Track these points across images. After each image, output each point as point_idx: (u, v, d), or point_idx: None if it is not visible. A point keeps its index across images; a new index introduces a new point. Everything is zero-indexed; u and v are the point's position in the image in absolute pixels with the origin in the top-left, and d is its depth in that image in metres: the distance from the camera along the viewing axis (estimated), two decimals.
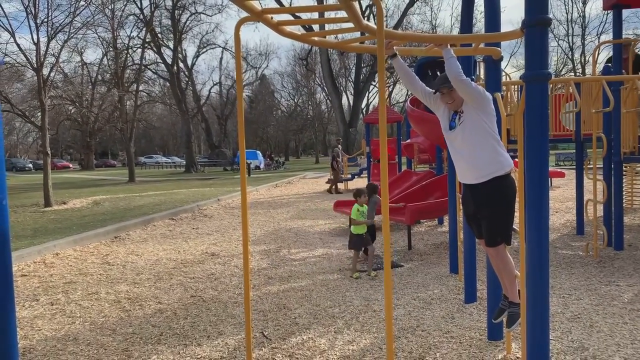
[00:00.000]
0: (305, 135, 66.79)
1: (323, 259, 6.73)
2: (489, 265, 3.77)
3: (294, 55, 57.11)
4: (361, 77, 38.21)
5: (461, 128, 3.14)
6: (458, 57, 3.09)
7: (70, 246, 7.86)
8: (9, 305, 1.99)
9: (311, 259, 6.72)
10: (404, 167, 15.66)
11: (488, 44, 3.44)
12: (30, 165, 53.83)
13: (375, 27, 2.56)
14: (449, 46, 3.03)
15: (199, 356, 3.61)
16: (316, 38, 2.74)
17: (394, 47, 2.98)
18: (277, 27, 2.44)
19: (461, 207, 3.59)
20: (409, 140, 13.39)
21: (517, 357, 3.42)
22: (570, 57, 42.70)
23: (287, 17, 2.65)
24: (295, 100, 62.71)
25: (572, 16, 42.31)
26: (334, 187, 16.62)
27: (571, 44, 42.52)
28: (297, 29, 2.77)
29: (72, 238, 8.14)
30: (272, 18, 2.35)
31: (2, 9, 13.66)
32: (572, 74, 40.77)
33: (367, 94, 40.93)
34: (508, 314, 3.29)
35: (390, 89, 51.28)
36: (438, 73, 8.19)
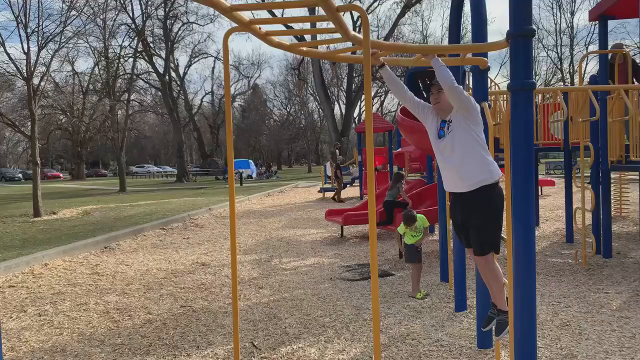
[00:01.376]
0: (298, 145, 66.80)
1: (314, 268, 6.72)
2: (479, 274, 3.79)
3: (286, 65, 57.40)
4: (353, 87, 38.40)
5: (450, 137, 3.15)
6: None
7: (60, 256, 7.79)
8: None
9: (302, 268, 6.71)
10: None
11: (475, 54, 3.49)
12: (20, 175, 53.33)
13: (362, 37, 2.60)
14: (436, 56, 3.06)
15: None
16: (304, 48, 2.76)
17: (381, 58, 3.01)
18: (265, 37, 2.47)
19: (450, 216, 3.60)
20: (400, 149, 13.45)
21: None
22: (559, 67, 43.20)
23: (278, 27, 2.68)
24: (288, 110, 62.85)
25: (560, 27, 42.86)
26: (337, 195, 16.64)
27: (560, 54, 43.04)
28: (288, 39, 2.79)
29: (62, 248, 8.07)
30: (260, 28, 2.37)
31: None
32: (562, 83, 41.26)
33: (359, 103, 41.10)
34: (497, 322, 3.30)
35: (382, 99, 51.61)
36: (428, 83, 8.25)
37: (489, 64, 3.46)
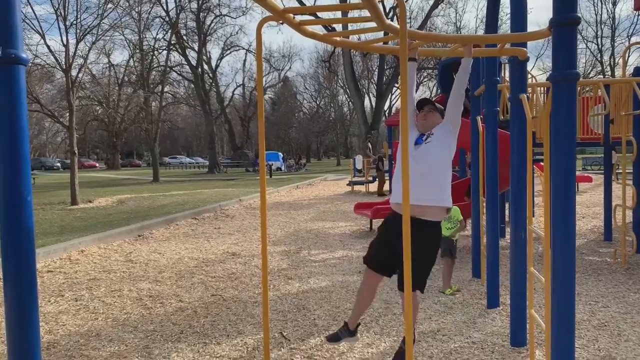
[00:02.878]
0: (327, 137, 66.80)
1: (343, 260, 6.70)
2: (512, 271, 3.70)
3: (317, 57, 57.28)
4: (384, 79, 38.02)
5: (426, 146, 3.03)
6: (484, 58, 3.05)
7: (95, 244, 8.00)
8: (32, 296, 2.03)
9: (331, 261, 6.70)
10: None
11: (514, 44, 3.38)
12: (59, 164, 55.05)
13: (398, 26, 2.54)
14: (472, 51, 2.97)
15: (218, 355, 3.62)
16: (338, 38, 2.72)
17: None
18: (298, 26, 2.44)
19: (380, 229, 3.28)
20: None
21: None
22: (599, 59, 41.76)
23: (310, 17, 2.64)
24: (318, 102, 62.83)
25: (601, 17, 41.41)
26: (379, 189, 16.54)
27: (600, 46, 41.59)
28: (320, 29, 2.75)
29: (97, 236, 8.29)
30: (294, 18, 2.34)
31: (34, 11, 14.02)
32: (601, 76, 39.85)
33: (389, 96, 40.75)
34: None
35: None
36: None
37: (528, 55, 3.34)
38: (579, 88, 7.78)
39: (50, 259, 6.93)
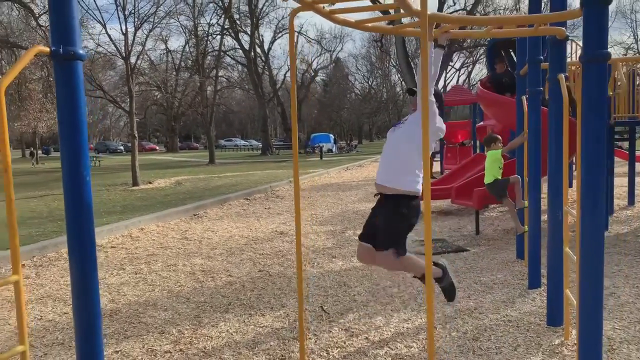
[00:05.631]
0: (379, 118, 66.18)
1: None
2: (549, 250, 3.71)
3: (369, 38, 56.53)
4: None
5: (395, 133, 3.17)
6: (523, 38, 3.03)
7: (154, 222, 8.53)
8: (93, 267, 2.31)
9: None
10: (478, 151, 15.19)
11: (552, 23, 3.33)
12: (122, 147, 57.83)
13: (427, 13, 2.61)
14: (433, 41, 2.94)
15: (261, 325, 3.88)
16: (370, 24, 2.82)
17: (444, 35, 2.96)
18: (329, 15, 2.56)
19: None
20: (481, 123, 12.97)
21: (575, 344, 3.35)
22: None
23: (343, 5, 2.74)
24: (370, 83, 62.25)
25: None
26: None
27: None
28: (353, 16, 2.85)
29: (156, 215, 8.82)
30: (324, 7, 2.46)
31: (95, 2, 14.75)
32: None
33: (443, 75, 39.76)
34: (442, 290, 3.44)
35: (469, 69, 49.43)
36: (512, 53, 7.89)
37: (567, 34, 3.29)
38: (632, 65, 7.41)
39: (113, 236, 7.48)
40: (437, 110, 3.07)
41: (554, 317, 3.65)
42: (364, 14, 2.81)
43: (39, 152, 36.67)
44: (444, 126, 3.12)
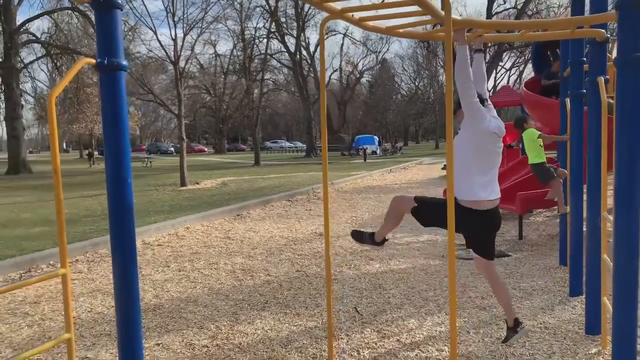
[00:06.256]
0: (426, 120, 65.22)
1: (427, 244, 6.78)
2: (588, 257, 3.62)
3: None
4: (486, 59, 36.28)
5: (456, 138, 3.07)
6: (564, 40, 2.99)
7: (199, 221, 8.83)
8: (132, 266, 2.47)
9: (415, 244, 6.81)
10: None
11: (592, 25, 3.26)
12: (172, 149, 59.72)
13: (458, 18, 2.63)
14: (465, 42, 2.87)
15: (296, 324, 3.97)
16: (401, 30, 2.86)
17: (479, 39, 2.95)
18: (359, 23, 2.62)
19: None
20: None
21: None
22: None
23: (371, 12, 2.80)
24: (416, 84, 61.47)
25: None
26: None
27: None
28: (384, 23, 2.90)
29: (201, 214, 9.12)
30: (353, 15, 2.53)
31: (147, 9, 15.39)
32: None
33: (492, 75, 38.80)
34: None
35: (520, 69, 47.94)
36: (558, 52, 7.65)
37: (607, 35, 3.21)
38: None
39: (160, 234, 7.80)
40: (484, 111, 2.98)
41: (592, 325, 3.55)
42: (394, 20, 2.85)
43: (96, 153, 38.45)
44: (496, 125, 2.99)
